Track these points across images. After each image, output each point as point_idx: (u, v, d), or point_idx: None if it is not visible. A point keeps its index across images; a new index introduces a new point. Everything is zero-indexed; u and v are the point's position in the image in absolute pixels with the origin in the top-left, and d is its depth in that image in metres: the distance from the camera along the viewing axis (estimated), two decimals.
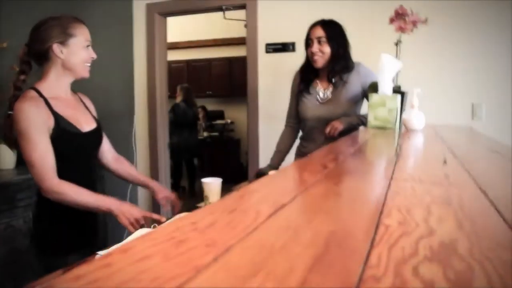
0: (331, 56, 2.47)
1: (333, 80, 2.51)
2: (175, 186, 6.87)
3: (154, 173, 4.22)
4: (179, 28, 7.30)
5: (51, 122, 1.73)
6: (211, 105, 8.82)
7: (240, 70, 7.35)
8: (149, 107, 4.19)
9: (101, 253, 1.45)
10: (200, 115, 8.29)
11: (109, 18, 4.10)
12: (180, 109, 6.63)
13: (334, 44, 2.46)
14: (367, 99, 2.38)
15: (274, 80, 3.71)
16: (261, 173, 2.63)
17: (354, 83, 2.50)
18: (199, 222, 0.49)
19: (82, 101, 2.00)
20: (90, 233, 1.99)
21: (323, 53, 2.46)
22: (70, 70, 1.82)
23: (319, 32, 2.46)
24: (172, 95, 5.89)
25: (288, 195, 0.67)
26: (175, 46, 7.91)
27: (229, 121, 8.64)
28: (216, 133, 8.41)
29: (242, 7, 3.82)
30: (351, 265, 0.40)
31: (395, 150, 1.51)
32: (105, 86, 4.09)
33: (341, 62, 2.48)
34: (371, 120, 2.24)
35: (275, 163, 2.74)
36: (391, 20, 2.36)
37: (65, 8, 3.70)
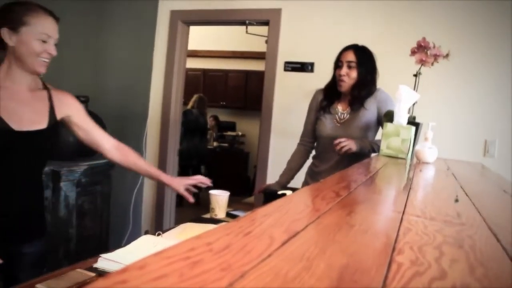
0: (357, 81, 2.46)
1: (351, 103, 2.52)
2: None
3: None
4: (199, 36, 7.35)
5: None
6: (224, 116, 8.85)
7: (256, 84, 7.38)
8: (163, 113, 4.21)
9: (104, 256, 1.45)
10: (211, 124, 8.31)
11: (133, 22, 4.15)
12: (193, 115, 6.66)
13: (363, 70, 2.45)
14: (382, 126, 2.38)
15: (289, 98, 3.73)
16: (268, 190, 2.63)
17: (371, 108, 2.50)
18: (214, 243, 0.49)
19: (51, 98, 1.82)
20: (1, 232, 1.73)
21: (350, 77, 2.46)
22: (20, 61, 1.67)
23: (351, 56, 2.45)
24: (185, 102, 5.92)
25: (301, 222, 0.67)
26: (193, 54, 7.96)
27: (240, 133, 8.66)
28: (226, 144, 8.43)
29: (265, 23, 3.85)
30: None
31: (407, 182, 1.51)
32: (122, 87, 4.13)
33: (366, 89, 2.48)
34: (383, 148, 2.24)
35: (284, 181, 2.74)
36: (413, 52, 2.36)
37: (90, 9, 3.75)
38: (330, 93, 2.60)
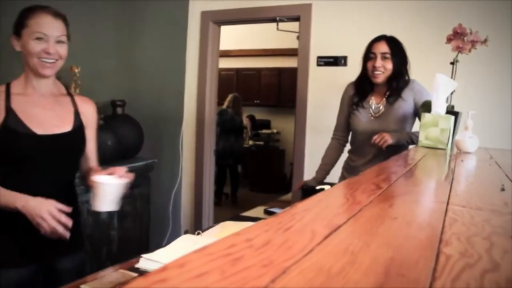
0: (393, 72, 2.40)
1: (387, 95, 2.47)
2: (218, 192, 6.92)
3: (198, 178, 4.26)
4: (231, 36, 7.36)
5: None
6: (258, 114, 8.85)
7: (289, 81, 7.35)
8: (198, 113, 4.23)
9: (145, 256, 1.46)
10: (246, 123, 8.32)
11: (164, 23, 4.18)
12: (228, 115, 6.70)
13: (397, 61, 2.40)
14: (419, 117, 2.33)
15: (323, 93, 3.69)
16: (306, 186, 2.61)
17: (407, 100, 2.44)
18: (254, 239, 0.48)
19: (75, 103, 1.79)
20: (38, 246, 1.67)
21: (385, 69, 2.39)
22: (27, 65, 1.64)
23: (384, 47, 2.39)
24: (220, 102, 5.95)
25: (342, 215, 0.65)
26: (226, 53, 7.99)
27: (275, 131, 8.65)
28: (261, 142, 8.42)
29: (296, 19, 3.82)
30: None
31: (449, 172, 1.46)
32: (157, 90, 4.16)
33: (401, 80, 2.43)
34: (422, 139, 2.19)
35: (321, 177, 2.72)
36: (449, 39, 2.30)
37: (121, 11, 3.80)
38: (362, 87, 2.54)
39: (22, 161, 1.64)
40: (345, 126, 2.67)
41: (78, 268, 1.83)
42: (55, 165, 1.71)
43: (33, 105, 1.67)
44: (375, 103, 2.51)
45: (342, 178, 2.67)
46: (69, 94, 1.82)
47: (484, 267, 0.47)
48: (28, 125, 1.63)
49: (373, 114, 2.51)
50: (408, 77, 2.47)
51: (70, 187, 1.83)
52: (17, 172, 1.64)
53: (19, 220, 1.56)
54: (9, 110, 1.61)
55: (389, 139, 2.32)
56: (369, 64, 2.44)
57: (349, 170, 2.62)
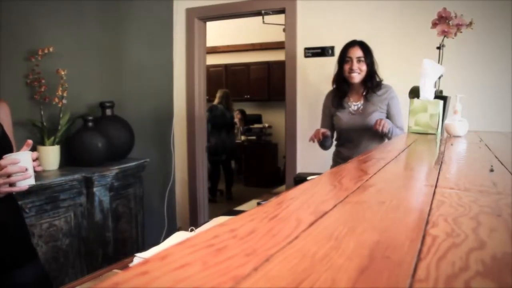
0: (367, 73, 2.69)
1: (364, 93, 2.74)
2: (213, 189, 6.91)
3: (191, 175, 4.25)
4: (217, 32, 7.34)
5: None
6: (249, 109, 8.84)
7: (278, 74, 7.34)
8: (188, 111, 4.22)
9: (139, 255, 1.46)
10: (237, 119, 8.30)
11: (150, 22, 4.16)
12: (219, 110, 6.68)
13: (370, 63, 2.70)
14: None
15: (312, 84, 3.69)
16: (298, 178, 2.61)
17: (382, 101, 2.71)
18: (239, 229, 0.48)
19: None
20: None
21: (361, 70, 2.70)
22: None
23: (359, 52, 2.69)
24: (210, 99, 5.93)
25: (328, 202, 0.65)
26: (214, 50, 7.97)
27: (266, 125, 8.64)
28: (253, 137, 8.41)
29: (281, 11, 3.81)
30: (398, 278, 0.37)
31: (438, 156, 1.47)
32: (145, 89, 4.14)
33: (373, 79, 2.71)
34: (412, 126, 2.19)
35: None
36: (434, 24, 2.31)
37: (106, 11, 3.78)
38: (341, 87, 2.81)
39: None
40: (329, 128, 2.90)
41: (39, 280, 1.72)
42: None
43: None
44: (353, 102, 2.79)
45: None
46: None
47: (470, 246, 0.47)
48: None
49: (352, 112, 2.78)
50: (379, 76, 2.75)
51: (9, 197, 1.65)
52: None
53: None
54: None
55: (386, 123, 2.52)
56: (346, 67, 2.73)
57: (339, 163, 2.69)
